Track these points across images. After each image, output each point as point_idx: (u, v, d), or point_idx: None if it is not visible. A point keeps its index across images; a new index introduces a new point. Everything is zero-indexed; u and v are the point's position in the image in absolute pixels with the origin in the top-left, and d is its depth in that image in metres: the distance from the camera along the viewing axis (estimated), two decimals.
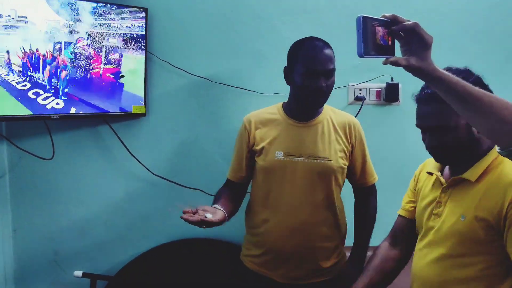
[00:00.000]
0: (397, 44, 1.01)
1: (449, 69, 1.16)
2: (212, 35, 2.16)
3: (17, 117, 1.85)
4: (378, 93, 2.20)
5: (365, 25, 0.93)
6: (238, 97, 2.18)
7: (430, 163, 1.41)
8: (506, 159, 1.19)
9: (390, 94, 2.19)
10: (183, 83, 2.17)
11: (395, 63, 0.97)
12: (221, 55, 2.17)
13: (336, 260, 1.75)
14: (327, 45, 1.63)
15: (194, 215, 1.40)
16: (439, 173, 1.33)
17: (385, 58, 0.98)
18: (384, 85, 2.18)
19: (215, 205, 1.57)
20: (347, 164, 1.72)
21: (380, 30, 0.97)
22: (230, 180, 1.83)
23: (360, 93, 2.20)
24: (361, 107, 2.16)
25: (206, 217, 1.41)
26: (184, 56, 2.16)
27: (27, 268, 2.26)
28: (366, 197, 1.83)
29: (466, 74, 1.20)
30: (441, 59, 1.27)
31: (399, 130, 2.22)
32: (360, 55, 0.94)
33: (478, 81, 1.22)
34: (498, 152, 1.05)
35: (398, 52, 1.01)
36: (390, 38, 0.99)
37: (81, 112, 1.98)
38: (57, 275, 2.26)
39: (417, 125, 1.30)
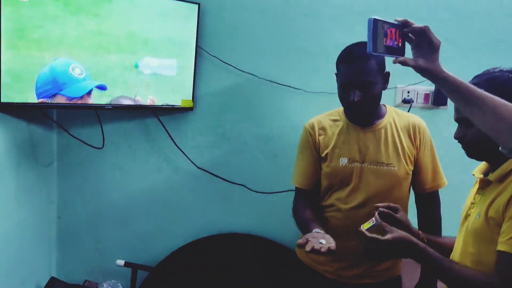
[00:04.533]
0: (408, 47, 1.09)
1: (496, 68, 1.23)
2: (262, 32, 2.17)
3: (69, 106, 1.89)
4: (426, 96, 2.18)
5: (375, 26, 1.04)
6: (284, 95, 2.19)
7: (480, 166, 1.40)
8: None
9: (438, 97, 2.16)
10: (231, 79, 2.19)
11: (404, 63, 1.07)
12: (269, 52, 2.18)
13: (390, 264, 1.73)
14: (369, 55, 1.58)
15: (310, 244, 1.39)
16: (480, 175, 1.31)
17: (394, 58, 1.08)
18: (432, 88, 2.16)
19: (316, 230, 1.51)
20: (412, 169, 1.69)
21: (390, 31, 1.07)
22: (303, 190, 1.78)
23: (407, 96, 2.18)
24: (409, 109, 2.13)
25: (322, 243, 1.39)
26: (233, 52, 2.18)
27: (69, 255, 2.32)
28: (432, 206, 1.75)
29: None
30: (493, 64, 1.27)
31: (446, 135, 2.16)
32: (369, 52, 1.05)
33: None
34: (500, 150, 1.07)
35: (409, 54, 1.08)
36: (400, 40, 1.09)
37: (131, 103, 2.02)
38: (99, 263, 2.31)
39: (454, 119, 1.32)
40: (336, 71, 1.67)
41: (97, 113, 2.11)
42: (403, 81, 2.15)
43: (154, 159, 2.25)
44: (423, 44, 1.06)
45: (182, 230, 2.30)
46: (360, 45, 1.61)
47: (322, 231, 1.50)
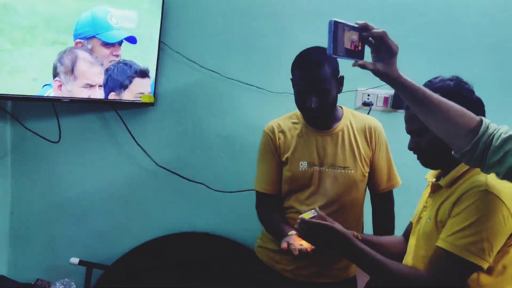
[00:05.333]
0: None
1: (438, 77, 1.27)
2: (226, 30, 2.17)
3: (25, 97, 1.83)
4: (386, 99, 2.22)
5: (336, 28, 1.04)
6: (247, 94, 2.19)
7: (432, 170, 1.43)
8: None
9: (397, 101, 2.21)
10: (194, 75, 2.17)
11: (363, 66, 1.08)
12: (233, 51, 2.18)
13: (346, 264, 1.76)
14: (323, 61, 1.57)
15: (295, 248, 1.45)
16: (433, 179, 1.35)
17: (354, 61, 1.08)
18: (392, 92, 2.20)
19: (291, 232, 1.54)
20: (368, 171, 1.72)
21: (350, 34, 1.07)
22: (266, 194, 1.78)
23: (368, 99, 2.22)
24: (368, 112, 2.17)
25: (303, 245, 1.46)
26: (197, 49, 2.16)
27: (22, 252, 2.24)
28: (386, 206, 1.80)
29: (455, 82, 1.24)
30: (457, 70, 1.32)
31: (404, 138, 2.22)
32: (329, 54, 1.04)
33: (469, 90, 1.24)
34: (453, 154, 1.11)
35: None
36: (360, 44, 1.10)
37: (89, 97, 1.97)
38: (53, 261, 2.24)
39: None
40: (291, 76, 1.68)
41: (53, 106, 2.05)
42: (364, 85, 2.19)
43: (113, 155, 2.20)
44: (382, 48, 1.08)
45: (141, 228, 2.25)
46: (314, 50, 1.63)
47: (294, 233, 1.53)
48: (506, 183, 1.08)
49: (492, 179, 1.15)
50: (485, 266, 1.14)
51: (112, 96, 2.01)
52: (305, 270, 1.72)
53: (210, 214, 2.26)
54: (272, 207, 1.77)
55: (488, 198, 1.13)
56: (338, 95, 1.69)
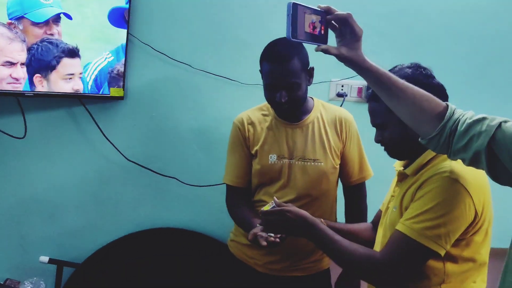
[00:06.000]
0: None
1: (396, 66, 1.27)
2: (197, 21, 2.12)
3: None
4: (360, 90, 2.21)
5: (295, 11, 1.01)
6: (220, 86, 2.15)
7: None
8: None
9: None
10: (164, 68, 2.12)
11: (326, 51, 1.06)
12: (205, 42, 2.13)
13: (319, 257, 1.74)
14: (292, 54, 1.54)
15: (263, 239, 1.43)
16: (400, 168, 1.34)
17: (317, 45, 1.06)
18: (366, 82, 2.18)
19: (259, 224, 1.50)
20: (339, 163, 1.71)
21: (312, 18, 1.04)
22: (235, 187, 1.75)
23: (341, 89, 2.20)
24: (342, 103, 2.16)
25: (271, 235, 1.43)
26: (167, 41, 2.11)
27: None
28: (358, 197, 1.78)
29: (413, 69, 1.24)
30: (424, 59, 1.31)
31: None
32: (288, 38, 1.01)
33: (427, 75, 1.24)
34: (420, 141, 1.10)
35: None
36: (323, 27, 1.07)
37: (55, 91, 1.90)
38: (22, 260, 2.18)
39: None
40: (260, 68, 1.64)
41: (18, 100, 1.98)
42: (338, 75, 2.17)
43: (83, 150, 2.14)
44: (346, 32, 1.06)
45: (112, 225, 2.21)
46: (283, 42, 1.58)
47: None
48: (472, 171, 1.08)
49: (456, 166, 1.14)
50: (441, 252, 1.13)
51: (37, 78, 1.89)
52: (277, 264, 1.70)
53: (183, 209, 2.23)
54: (242, 200, 1.74)
55: (450, 184, 1.12)
56: (312, 86, 1.67)
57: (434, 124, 1.04)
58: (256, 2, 2.12)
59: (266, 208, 1.40)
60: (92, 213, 2.20)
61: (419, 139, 1.10)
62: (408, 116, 1.09)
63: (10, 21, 1.80)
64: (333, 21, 1.07)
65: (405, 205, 1.22)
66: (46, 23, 1.84)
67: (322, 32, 1.07)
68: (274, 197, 1.47)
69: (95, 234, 2.20)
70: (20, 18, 1.81)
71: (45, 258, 2.06)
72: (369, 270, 1.21)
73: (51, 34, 1.86)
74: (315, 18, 1.05)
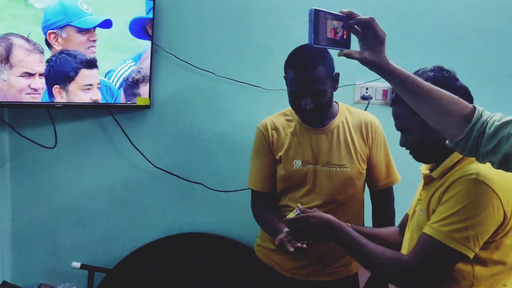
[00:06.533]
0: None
1: (419, 70, 1.24)
2: (220, 29, 2.15)
3: (20, 104, 1.83)
4: (385, 92, 2.18)
5: (317, 17, 1.01)
6: (243, 92, 2.17)
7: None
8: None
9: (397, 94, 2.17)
10: (188, 76, 2.16)
11: (349, 56, 1.05)
12: (227, 50, 2.16)
13: (347, 261, 1.73)
14: (317, 61, 1.52)
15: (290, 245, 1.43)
16: (426, 172, 1.33)
17: (339, 50, 1.06)
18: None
19: (286, 229, 1.49)
20: (365, 167, 1.69)
21: (333, 23, 1.04)
22: (260, 192, 1.75)
23: (366, 92, 2.18)
24: (367, 106, 2.14)
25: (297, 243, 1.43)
26: (190, 50, 2.14)
27: (24, 258, 2.26)
28: (386, 202, 1.76)
29: (436, 71, 1.22)
30: (450, 60, 1.29)
31: None
32: (310, 45, 1.01)
33: (450, 77, 1.22)
34: (447, 144, 1.08)
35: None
36: (345, 32, 1.06)
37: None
38: (55, 266, 2.25)
39: None
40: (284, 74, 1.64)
41: (49, 112, 2.05)
42: (362, 78, 2.16)
43: (112, 159, 2.20)
44: (369, 36, 1.05)
45: (141, 230, 2.25)
46: (307, 48, 1.57)
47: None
48: (500, 173, 1.05)
49: (484, 168, 1.12)
50: (470, 255, 1.11)
51: (56, 89, 1.93)
52: (304, 269, 1.70)
53: (209, 214, 2.25)
54: (267, 205, 1.74)
55: (478, 186, 1.11)
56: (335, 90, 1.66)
57: (461, 126, 1.02)
58: (277, 8, 2.13)
59: (291, 215, 1.40)
60: (121, 219, 2.26)
61: (447, 142, 1.08)
62: (434, 119, 1.08)
63: (52, 31, 1.87)
64: (355, 26, 1.07)
65: (432, 208, 1.20)
66: (88, 30, 1.93)
67: (345, 37, 1.07)
68: (298, 204, 1.46)
69: (125, 240, 2.25)
70: (64, 27, 1.89)
71: (77, 264, 2.12)
72: (397, 274, 1.20)
73: (94, 40, 1.94)
74: (336, 23, 1.05)
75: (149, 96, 2.10)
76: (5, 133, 2.13)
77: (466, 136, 1.02)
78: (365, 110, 2.11)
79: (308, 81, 1.53)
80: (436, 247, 1.12)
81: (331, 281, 1.72)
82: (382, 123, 2.20)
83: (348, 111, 1.73)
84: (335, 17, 1.05)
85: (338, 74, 1.63)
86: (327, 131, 1.67)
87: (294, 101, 1.60)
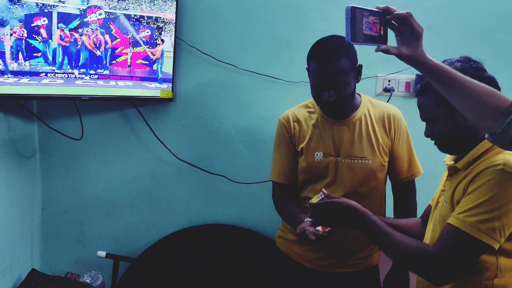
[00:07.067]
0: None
1: (446, 60, 1.22)
2: (241, 22, 2.16)
3: (48, 96, 1.89)
4: (408, 84, 2.16)
5: (353, 14, 1.02)
6: (264, 85, 2.18)
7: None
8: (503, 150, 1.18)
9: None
10: (211, 69, 2.18)
11: (386, 51, 1.06)
12: (249, 43, 2.17)
13: (367, 253, 1.73)
14: (340, 53, 1.51)
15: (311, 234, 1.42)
16: (451, 162, 1.32)
17: (376, 46, 1.06)
18: (413, 76, 2.14)
19: (307, 219, 1.50)
20: (387, 160, 1.68)
21: (371, 19, 1.05)
22: (282, 184, 1.76)
23: (388, 84, 2.16)
24: (389, 98, 2.12)
25: (319, 230, 1.43)
26: (213, 43, 2.17)
27: (53, 247, 2.33)
28: (408, 195, 1.75)
29: (463, 62, 1.21)
30: (477, 52, 1.27)
31: None
32: (348, 41, 1.03)
33: (478, 68, 1.21)
34: (486, 138, 1.07)
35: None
36: (382, 28, 1.07)
37: (110, 94, 2.01)
38: (81, 255, 2.32)
39: None
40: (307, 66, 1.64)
41: (75, 104, 2.10)
42: (384, 70, 2.14)
43: (136, 151, 2.25)
44: (406, 31, 1.05)
45: (165, 221, 2.30)
46: (331, 40, 1.57)
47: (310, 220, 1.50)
48: None
49: (510, 159, 1.11)
50: (496, 245, 1.10)
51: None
52: (324, 261, 1.70)
53: (232, 206, 2.28)
54: (288, 196, 1.75)
55: (504, 177, 1.10)
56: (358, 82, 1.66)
57: (498, 119, 1.01)
58: (299, 1, 2.13)
59: (315, 200, 1.39)
60: (146, 211, 2.30)
61: (486, 136, 1.07)
62: (470, 111, 1.07)
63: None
64: (392, 21, 1.07)
65: (456, 199, 1.20)
66: None
67: (381, 32, 1.07)
68: (322, 189, 1.42)
69: (149, 230, 2.30)
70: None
71: (102, 253, 2.17)
72: (421, 264, 1.19)
73: None
74: (373, 19, 1.06)
75: (172, 89, 2.13)
76: (34, 125, 2.20)
77: (505, 129, 1.00)
78: (387, 102, 2.10)
79: (331, 73, 1.53)
80: (462, 238, 1.12)
81: (351, 272, 1.72)
82: (405, 115, 2.17)
83: (370, 103, 1.72)
84: (371, 13, 1.06)
85: (361, 66, 1.62)
86: (349, 123, 1.67)
87: (317, 93, 1.59)
